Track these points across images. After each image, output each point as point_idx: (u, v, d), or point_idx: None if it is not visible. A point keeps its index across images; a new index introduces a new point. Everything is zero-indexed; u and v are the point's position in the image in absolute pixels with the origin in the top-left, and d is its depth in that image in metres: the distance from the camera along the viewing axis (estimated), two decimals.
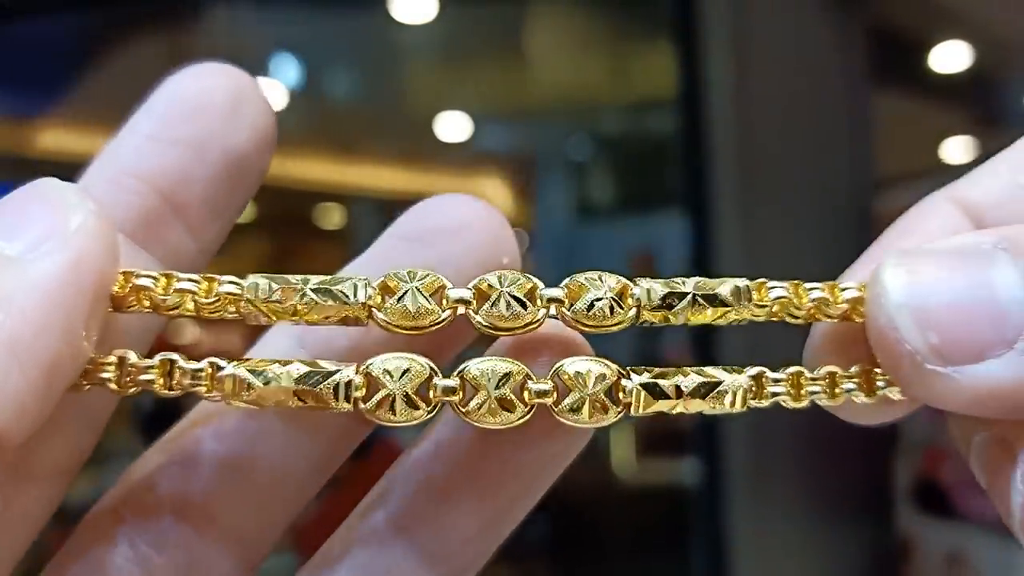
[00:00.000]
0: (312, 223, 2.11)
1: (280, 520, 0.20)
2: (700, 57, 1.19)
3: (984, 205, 0.18)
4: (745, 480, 1.16)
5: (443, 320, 0.17)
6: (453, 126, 1.82)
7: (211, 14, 1.47)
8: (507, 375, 0.17)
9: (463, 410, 0.17)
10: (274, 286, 0.17)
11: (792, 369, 0.19)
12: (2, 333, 0.14)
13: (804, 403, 0.19)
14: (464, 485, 0.19)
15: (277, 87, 1.59)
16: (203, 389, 0.17)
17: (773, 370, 0.19)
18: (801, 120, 1.18)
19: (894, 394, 0.18)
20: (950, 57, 1.42)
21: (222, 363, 0.17)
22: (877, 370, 0.18)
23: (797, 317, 0.19)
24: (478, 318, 0.17)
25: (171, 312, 0.17)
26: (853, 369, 0.19)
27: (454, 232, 0.19)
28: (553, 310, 0.18)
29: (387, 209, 1.95)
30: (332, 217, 2.13)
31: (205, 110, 0.19)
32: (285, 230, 2.03)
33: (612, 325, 0.18)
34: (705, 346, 1.17)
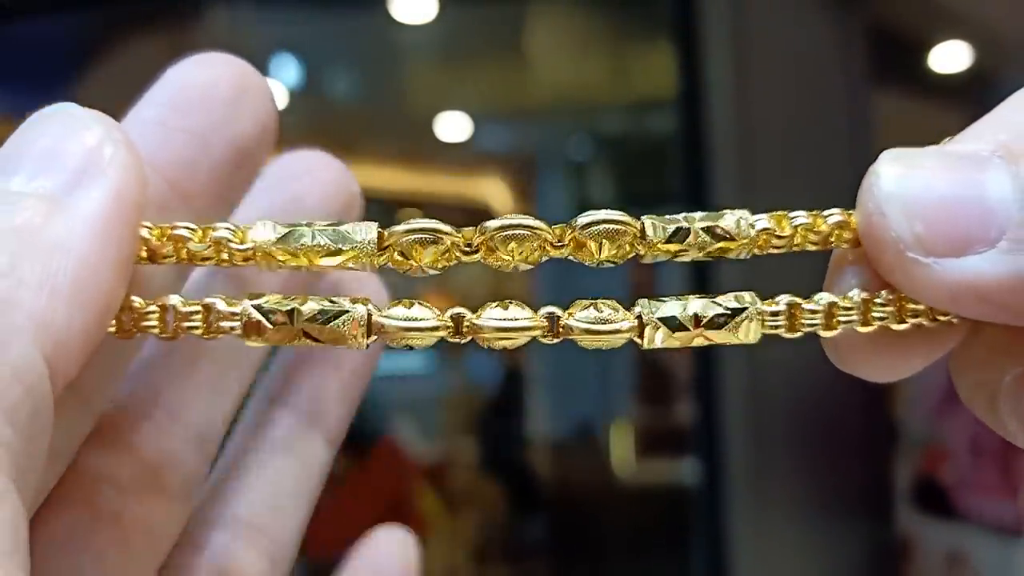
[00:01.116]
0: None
1: (227, 411, 0.22)
2: (700, 57, 1.19)
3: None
4: (745, 480, 1.16)
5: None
6: (453, 126, 1.82)
7: (211, 14, 1.47)
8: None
9: (475, 327, 0.18)
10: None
11: (825, 298, 0.18)
12: (68, 280, 0.15)
13: (837, 331, 0.18)
14: (321, 360, 0.23)
15: (277, 87, 1.59)
16: (239, 332, 0.17)
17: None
18: (801, 120, 1.18)
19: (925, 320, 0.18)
20: (950, 57, 1.42)
21: (261, 304, 0.17)
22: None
23: (815, 243, 0.19)
24: (486, 260, 0.18)
25: (204, 262, 0.18)
26: (883, 293, 0.18)
27: (303, 176, 0.21)
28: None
29: (387, 209, 1.95)
30: None
31: (209, 99, 0.19)
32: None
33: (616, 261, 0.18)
34: (705, 349, 1.17)
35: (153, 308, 0.17)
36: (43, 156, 0.16)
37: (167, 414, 0.20)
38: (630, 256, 0.19)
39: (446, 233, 0.18)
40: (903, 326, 0.18)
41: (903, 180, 0.17)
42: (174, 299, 0.17)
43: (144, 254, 0.17)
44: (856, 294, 0.18)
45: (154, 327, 0.17)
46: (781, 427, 1.17)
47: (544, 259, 0.18)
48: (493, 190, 1.98)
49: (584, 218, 0.18)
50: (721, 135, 1.18)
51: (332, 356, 0.23)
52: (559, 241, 0.18)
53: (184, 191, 0.19)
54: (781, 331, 0.18)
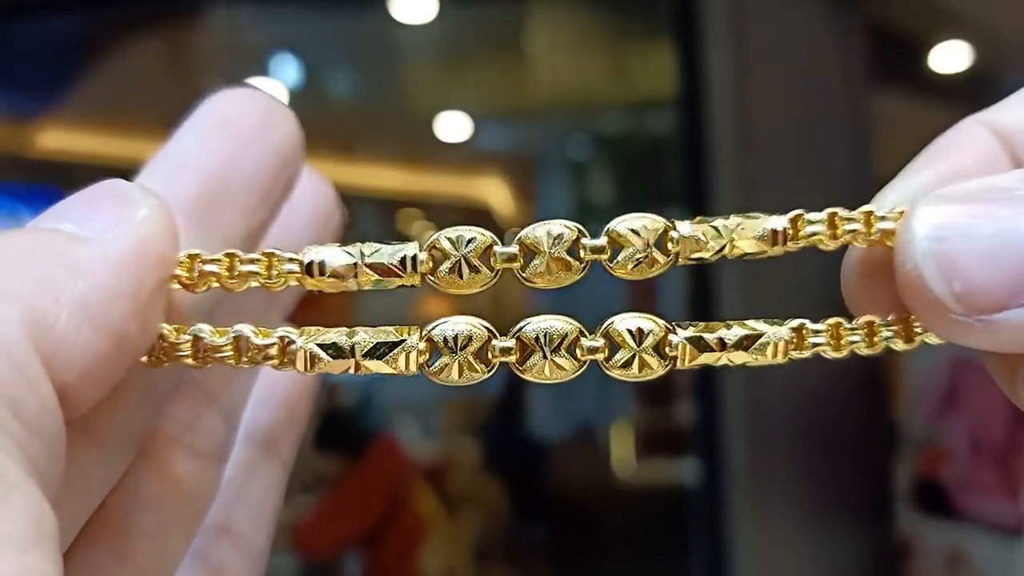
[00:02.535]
0: None
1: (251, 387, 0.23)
2: (700, 57, 1.19)
3: (1013, 130, 0.19)
4: (745, 480, 1.16)
5: (492, 281, 0.19)
6: (453, 126, 1.82)
7: (211, 14, 1.47)
8: (563, 336, 0.18)
9: (520, 368, 0.18)
10: (331, 264, 0.19)
11: (831, 320, 0.19)
12: (75, 295, 0.16)
13: (845, 352, 0.19)
14: (269, 396, 0.24)
15: (277, 87, 1.59)
16: (275, 362, 0.18)
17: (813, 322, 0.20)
18: (801, 120, 1.18)
19: (932, 339, 0.18)
20: (950, 57, 1.42)
21: (292, 336, 0.18)
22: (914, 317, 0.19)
23: (830, 245, 0.19)
24: (525, 275, 0.19)
25: (239, 289, 0.19)
26: (890, 317, 0.19)
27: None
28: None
29: (387, 209, 1.95)
30: None
31: (242, 120, 0.21)
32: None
33: (655, 272, 0.19)
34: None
35: (185, 338, 0.18)
36: (79, 212, 0.17)
37: (206, 394, 0.22)
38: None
39: (488, 267, 0.19)
40: (908, 347, 0.19)
41: (937, 234, 0.17)
42: (204, 329, 0.19)
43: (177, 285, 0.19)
44: (887, 334, 0.19)
45: (186, 356, 0.18)
46: (781, 428, 1.17)
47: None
48: (493, 190, 1.98)
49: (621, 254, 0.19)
50: (721, 135, 1.18)
51: (280, 393, 0.25)
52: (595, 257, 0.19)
53: (230, 190, 0.21)
54: (828, 350, 0.19)
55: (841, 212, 0.19)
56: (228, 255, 0.19)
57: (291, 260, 0.19)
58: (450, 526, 1.71)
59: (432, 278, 0.19)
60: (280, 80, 1.63)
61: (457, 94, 1.76)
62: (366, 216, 1.99)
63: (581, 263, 0.19)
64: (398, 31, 1.59)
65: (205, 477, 0.21)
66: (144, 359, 0.18)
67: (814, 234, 0.19)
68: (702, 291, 1.18)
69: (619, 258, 0.19)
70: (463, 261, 0.18)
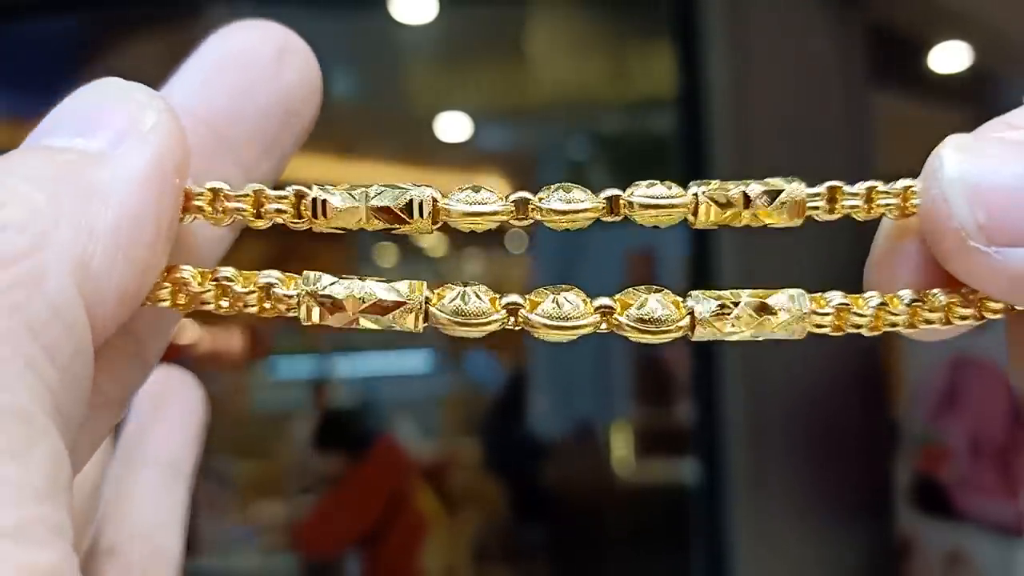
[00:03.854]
0: None
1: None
2: (700, 57, 1.19)
3: None
4: (745, 480, 1.16)
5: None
6: (453, 126, 1.82)
7: (211, 14, 1.47)
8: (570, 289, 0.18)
9: (529, 318, 0.17)
10: (337, 204, 0.18)
11: (874, 300, 0.18)
12: (107, 224, 0.15)
13: (879, 323, 0.18)
14: (166, 417, 0.26)
15: None
16: (303, 311, 0.18)
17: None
18: (801, 120, 1.18)
19: (956, 317, 0.18)
20: (950, 57, 1.42)
21: (321, 276, 0.18)
22: (934, 290, 0.18)
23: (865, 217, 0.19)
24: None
25: (256, 220, 0.18)
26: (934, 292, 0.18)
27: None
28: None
29: None
30: None
31: (252, 59, 0.20)
32: (286, 230, 2.03)
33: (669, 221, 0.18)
34: (705, 349, 1.17)
35: (209, 287, 0.18)
36: (84, 120, 0.16)
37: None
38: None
39: (498, 213, 0.18)
40: (948, 328, 0.18)
41: (968, 165, 0.17)
42: (230, 272, 0.18)
43: (190, 218, 0.18)
44: (907, 296, 0.18)
45: (210, 304, 0.18)
46: (781, 427, 1.17)
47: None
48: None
49: (637, 197, 0.18)
50: (721, 135, 1.18)
51: (175, 412, 0.26)
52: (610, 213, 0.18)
53: (229, 140, 0.19)
54: (827, 330, 0.18)
55: (880, 186, 0.18)
56: (255, 191, 0.18)
57: (312, 199, 0.18)
58: (450, 526, 1.71)
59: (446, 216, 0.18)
60: None
61: (457, 94, 1.76)
62: None
63: (601, 203, 0.18)
64: (398, 31, 1.59)
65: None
66: (167, 303, 0.17)
67: (851, 206, 0.18)
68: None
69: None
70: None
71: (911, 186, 0.18)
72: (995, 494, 1.11)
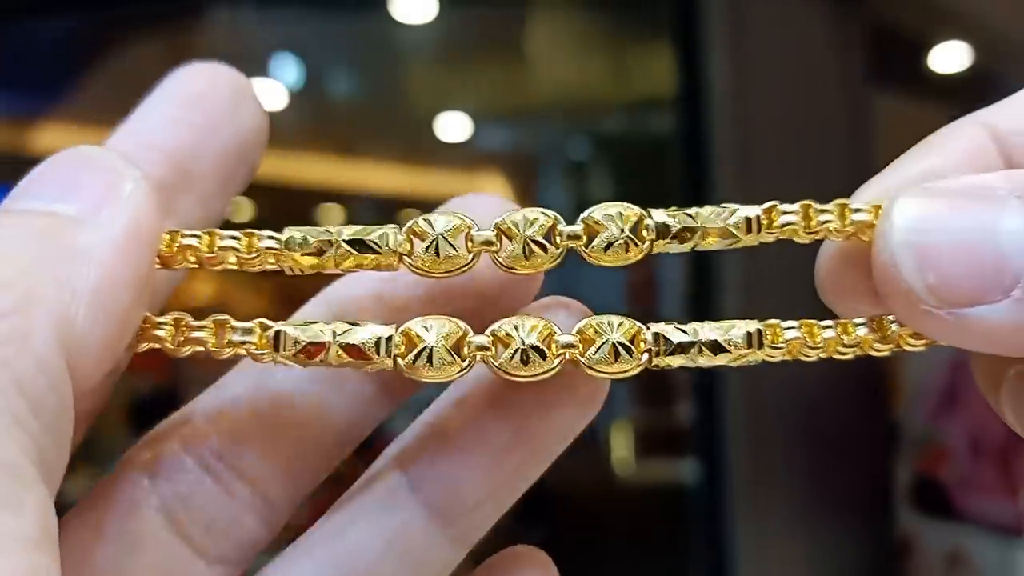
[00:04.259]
0: (312, 223, 2.11)
1: (305, 483, 0.21)
2: (700, 57, 1.19)
3: (1009, 130, 0.18)
4: (745, 480, 1.16)
5: (469, 263, 0.19)
6: (453, 126, 1.82)
7: (211, 14, 1.47)
8: (535, 327, 0.18)
9: (496, 363, 0.18)
10: (310, 239, 0.18)
11: (805, 320, 0.19)
12: (88, 283, 0.15)
13: (821, 350, 0.19)
14: (478, 445, 0.20)
15: (277, 87, 1.59)
16: (252, 347, 0.18)
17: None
18: (801, 120, 1.18)
19: (912, 344, 0.18)
20: (950, 57, 1.42)
21: (269, 323, 0.18)
22: (888, 317, 0.19)
23: (806, 237, 0.19)
24: (500, 259, 0.19)
25: (215, 267, 0.19)
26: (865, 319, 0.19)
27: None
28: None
29: (387, 209, 1.95)
30: (332, 217, 2.13)
31: (212, 100, 0.21)
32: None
33: (630, 259, 0.19)
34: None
35: (167, 319, 0.18)
36: (64, 186, 0.17)
37: (237, 477, 0.20)
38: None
39: (460, 256, 0.19)
40: (885, 349, 0.19)
41: (915, 225, 0.16)
42: (185, 316, 0.18)
43: (157, 264, 0.18)
44: (861, 332, 0.19)
45: (166, 340, 0.18)
46: (781, 427, 1.17)
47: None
48: (493, 190, 1.98)
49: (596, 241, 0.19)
50: (721, 135, 1.18)
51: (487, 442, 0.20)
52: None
53: (192, 176, 0.20)
54: (780, 355, 0.19)
55: (815, 204, 0.18)
56: (208, 232, 0.18)
57: (270, 237, 0.19)
58: None
59: (409, 259, 0.19)
60: (280, 80, 1.63)
61: (457, 94, 1.75)
62: (366, 216, 1.99)
63: (557, 248, 0.19)
64: (398, 31, 1.59)
65: None
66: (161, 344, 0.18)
67: (788, 224, 0.18)
68: (702, 291, 1.18)
69: (594, 243, 0.19)
70: (440, 240, 0.18)
71: (846, 204, 0.18)
72: (995, 494, 1.11)
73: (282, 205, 1.86)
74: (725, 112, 1.18)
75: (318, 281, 0.21)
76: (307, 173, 1.76)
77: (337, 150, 1.80)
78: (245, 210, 1.66)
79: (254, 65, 1.58)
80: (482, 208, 0.20)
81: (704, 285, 1.18)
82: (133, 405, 1.41)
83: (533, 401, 0.20)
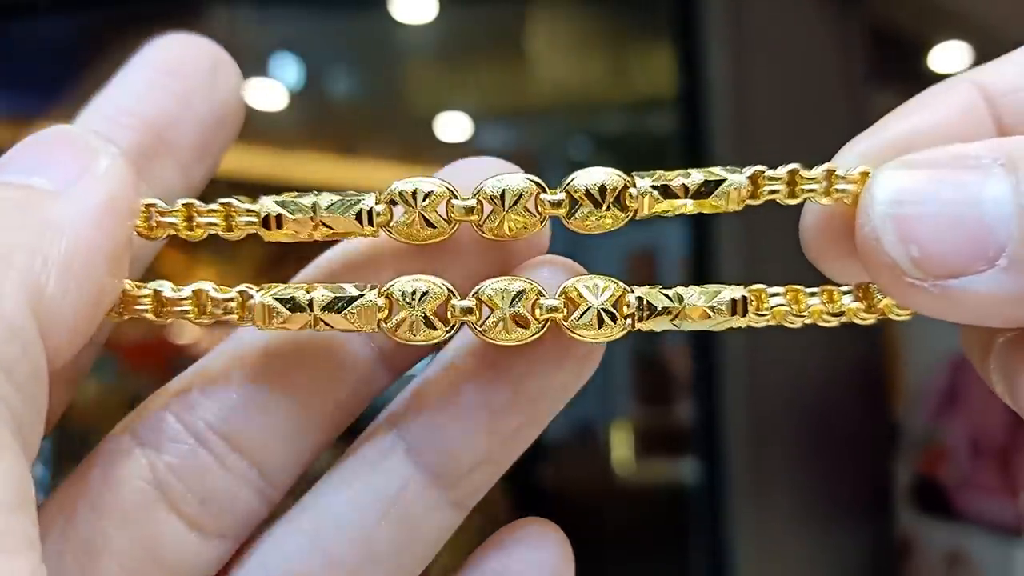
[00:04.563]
0: None
1: (301, 459, 0.21)
2: (700, 57, 1.19)
3: (999, 90, 0.18)
4: (745, 480, 1.16)
5: (450, 233, 0.19)
6: (453, 126, 1.82)
7: (211, 14, 1.47)
8: (520, 292, 0.18)
9: (480, 328, 0.18)
10: (287, 214, 0.18)
11: (790, 286, 0.19)
12: (61, 255, 0.16)
13: (806, 315, 0.19)
14: (476, 407, 0.20)
15: (277, 87, 1.59)
16: (235, 317, 0.18)
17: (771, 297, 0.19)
18: (801, 120, 1.18)
19: (896, 313, 0.18)
20: (950, 57, 1.42)
21: (252, 292, 0.18)
22: (873, 285, 0.19)
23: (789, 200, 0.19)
24: (483, 228, 0.19)
25: (195, 238, 0.19)
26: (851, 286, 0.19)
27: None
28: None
29: None
30: None
31: (191, 68, 0.21)
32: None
33: (610, 229, 0.19)
34: (704, 348, 1.17)
35: (146, 292, 0.18)
36: (41, 161, 0.17)
37: (232, 449, 0.20)
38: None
39: (440, 227, 0.19)
40: (870, 318, 0.19)
41: (897, 197, 0.16)
42: (165, 285, 0.18)
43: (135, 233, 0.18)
44: (847, 300, 0.19)
45: (146, 310, 0.18)
46: (781, 427, 1.17)
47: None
48: None
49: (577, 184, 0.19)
50: (721, 135, 1.18)
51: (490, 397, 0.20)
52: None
53: (170, 142, 0.20)
54: (765, 320, 0.19)
55: (803, 171, 0.18)
56: (186, 205, 0.18)
57: (248, 212, 0.18)
58: None
59: (389, 230, 0.18)
60: (280, 80, 1.63)
61: (457, 94, 1.75)
62: None
63: (539, 216, 0.19)
64: (398, 31, 1.59)
65: None
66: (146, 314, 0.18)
67: (774, 192, 0.19)
68: (702, 262, 1.18)
69: (576, 215, 0.19)
70: (420, 214, 0.18)
71: (834, 171, 0.18)
72: (995, 494, 1.11)
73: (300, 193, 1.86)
74: (725, 112, 1.17)
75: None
76: (307, 173, 1.76)
77: (337, 150, 1.80)
78: None
79: (254, 65, 1.58)
80: (476, 172, 0.19)
81: (703, 255, 1.18)
82: (134, 404, 1.41)
83: (530, 361, 0.19)
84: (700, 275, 1.19)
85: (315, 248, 0.20)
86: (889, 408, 1.29)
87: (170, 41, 0.21)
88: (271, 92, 1.56)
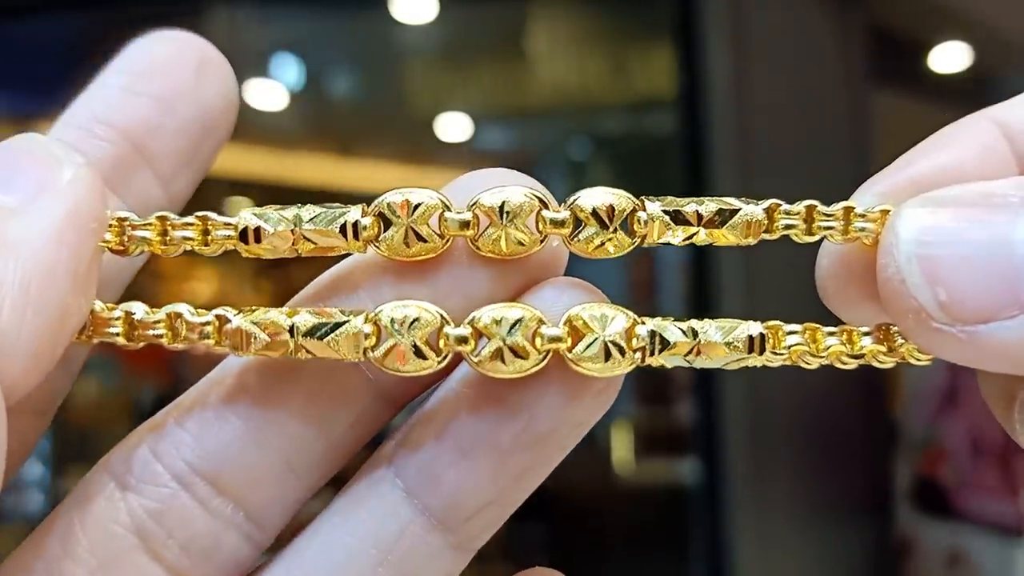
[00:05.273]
0: None
1: (291, 501, 0.19)
2: (700, 57, 1.19)
3: (1020, 127, 0.17)
4: (745, 480, 1.16)
5: (443, 249, 0.17)
6: (453, 126, 1.82)
7: (211, 14, 1.47)
8: (519, 321, 0.17)
9: (475, 359, 0.17)
10: (267, 228, 0.17)
11: (808, 324, 0.18)
12: (15, 277, 0.15)
13: (823, 357, 0.18)
14: (482, 446, 0.18)
15: (277, 87, 1.59)
16: (211, 342, 0.17)
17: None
18: (801, 120, 1.18)
19: (916, 357, 0.17)
20: (950, 57, 1.42)
21: (229, 315, 0.17)
22: (894, 327, 0.17)
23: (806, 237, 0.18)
24: (478, 244, 0.17)
25: (170, 254, 0.18)
26: (869, 328, 0.18)
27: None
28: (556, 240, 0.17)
29: None
30: None
31: (174, 69, 0.19)
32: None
33: (615, 255, 0.17)
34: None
35: (117, 314, 0.17)
36: (5, 175, 0.16)
37: (217, 492, 0.19)
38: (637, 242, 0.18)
39: (439, 234, 0.17)
40: (890, 361, 0.18)
41: (923, 238, 0.15)
42: (137, 307, 0.17)
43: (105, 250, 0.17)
44: (867, 342, 0.17)
45: (117, 334, 0.17)
46: (781, 427, 1.17)
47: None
48: None
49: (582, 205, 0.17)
50: (721, 135, 1.18)
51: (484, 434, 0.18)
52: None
53: (148, 151, 0.19)
54: (781, 360, 0.18)
55: (820, 207, 0.17)
56: (160, 219, 0.17)
57: (226, 225, 0.17)
58: None
59: (376, 245, 0.17)
60: (280, 80, 1.63)
61: (457, 94, 1.75)
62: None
63: (540, 236, 0.17)
64: (398, 31, 1.59)
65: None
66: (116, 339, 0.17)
67: (790, 226, 0.17)
68: (701, 289, 1.18)
69: (580, 236, 0.17)
70: (410, 228, 0.17)
71: (852, 208, 0.17)
72: (995, 494, 1.11)
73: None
74: (725, 112, 1.17)
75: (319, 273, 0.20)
76: (307, 173, 1.76)
77: (337, 150, 1.80)
78: None
79: (254, 65, 1.59)
80: (480, 186, 0.18)
81: (704, 281, 1.18)
82: (135, 407, 1.41)
83: (541, 395, 0.18)
84: (700, 275, 1.19)
85: (319, 261, 0.19)
86: (889, 408, 1.29)
87: (153, 40, 0.20)
88: (271, 92, 1.56)
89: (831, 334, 0.18)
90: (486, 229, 0.17)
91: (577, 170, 1.86)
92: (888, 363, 0.18)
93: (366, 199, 0.18)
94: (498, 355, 0.17)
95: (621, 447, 1.75)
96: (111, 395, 1.42)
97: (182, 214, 0.18)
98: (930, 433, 1.21)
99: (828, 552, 1.19)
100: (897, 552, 1.23)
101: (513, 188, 0.17)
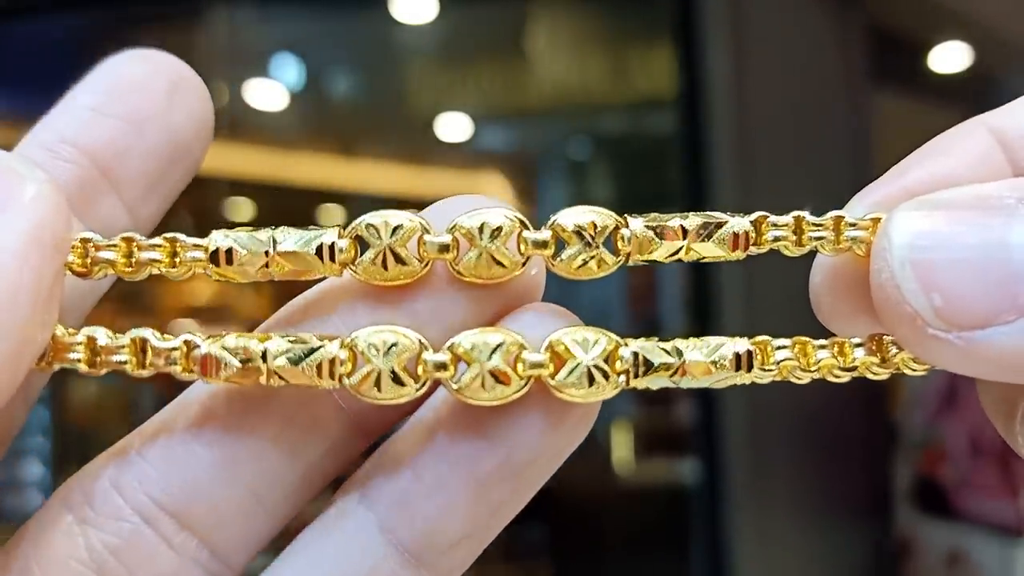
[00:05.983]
0: (312, 223, 2.11)
1: (259, 536, 0.18)
2: (700, 57, 1.19)
3: (1016, 135, 0.17)
4: (745, 480, 1.16)
5: (421, 272, 0.17)
6: (453, 126, 1.82)
7: (211, 14, 1.47)
8: (499, 346, 0.16)
9: (455, 386, 0.16)
10: (241, 252, 0.16)
11: (798, 338, 0.18)
12: None
13: (814, 371, 0.17)
14: (459, 477, 0.17)
15: (277, 87, 1.59)
16: (178, 368, 0.16)
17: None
18: (801, 120, 1.18)
19: (912, 367, 0.17)
20: (950, 57, 1.42)
21: (198, 341, 0.16)
22: (888, 337, 0.17)
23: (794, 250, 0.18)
24: (458, 268, 0.17)
25: (135, 277, 0.17)
26: (862, 339, 0.18)
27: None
28: (536, 264, 0.17)
29: (387, 209, 1.95)
30: (332, 217, 2.13)
31: (144, 90, 0.19)
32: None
33: (599, 275, 0.17)
34: None
35: (79, 339, 0.16)
36: None
37: (181, 527, 0.18)
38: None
39: (418, 257, 0.17)
40: (884, 372, 0.17)
41: (917, 242, 0.15)
42: (100, 332, 0.16)
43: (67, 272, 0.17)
44: (859, 354, 0.17)
45: (78, 360, 0.16)
46: (781, 427, 1.17)
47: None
48: (493, 190, 1.98)
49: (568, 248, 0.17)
50: (721, 135, 1.18)
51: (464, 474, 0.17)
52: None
53: (114, 175, 0.18)
54: (771, 376, 0.17)
55: (808, 217, 0.17)
56: (125, 240, 0.17)
57: (196, 247, 0.16)
58: None
59: (353, 268, 0.16)
60: (280, 80, 1.63)
61: (457, 94, 1.75)
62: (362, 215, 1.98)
63: (522, 257, 0.17)
64: (398, 31, 1.59)
65: None
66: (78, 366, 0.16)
67: (778, 239, 0.17)
68: (701, 295, 1.18)
69: (563, 256, 0.17)
70: (388, 250, 0.16)
71: (842, 217, 0.17)
72: (995, 494, 1.11)
73: (282, 205, 1.86)
74: (725, 112, 1.17)
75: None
76: (307, 173, 1.76)
77: (337, 150, 1.80)
78: (245, 210, 1.65)
79: (254, 65, 1.59)
80: (460, 209, 0.17)
81: (705, 287, 1.18)
82: (135, 407, 1.41)
83: (520, 424, 0.17)
84: (700, 281, 1.19)
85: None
86: (889, 408, 1.29)
87: (125, 59, 0.19)
88: (271, 92, 1.56)
89: (822, 347, 0.17)
90: (466, 252, 0.16)
91: (577, 170, 1.86)
92: (882, 375, 0.17)
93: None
94: (479, 381, 0.16)
95: (621, 447, 1.75)
96: (111, 395, 1.42)
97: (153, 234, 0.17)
98: (930, 433, 1.21)
99: (828, 552, 1.19)
100: (897, 552, 1.23)
101: (492, 211, 0.17)
